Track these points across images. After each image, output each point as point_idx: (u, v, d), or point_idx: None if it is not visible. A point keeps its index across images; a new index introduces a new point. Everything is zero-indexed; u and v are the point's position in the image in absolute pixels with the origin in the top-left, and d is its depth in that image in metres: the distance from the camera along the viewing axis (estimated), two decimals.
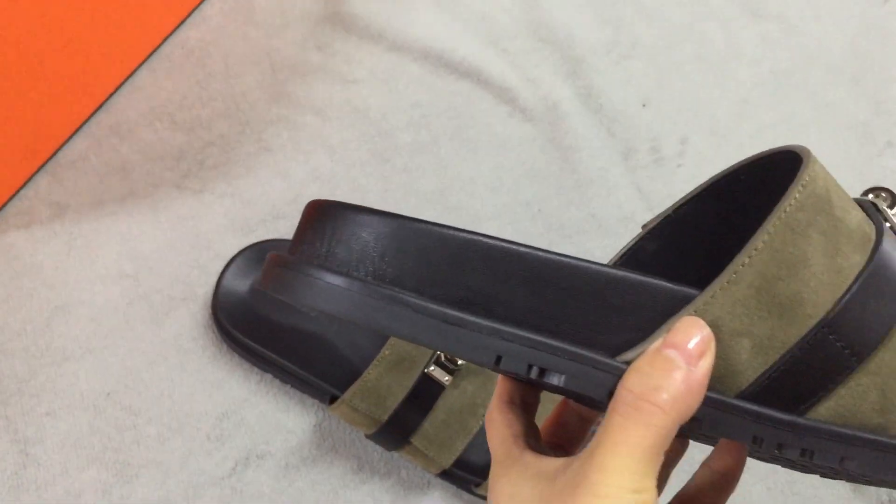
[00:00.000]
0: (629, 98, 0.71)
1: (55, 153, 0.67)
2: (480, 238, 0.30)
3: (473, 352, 0.29)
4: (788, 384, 0.30)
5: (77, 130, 0.68)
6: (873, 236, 0.31)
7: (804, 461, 0.30)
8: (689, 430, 0.30)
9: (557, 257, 0.30)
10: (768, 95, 0.71)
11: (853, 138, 0.69)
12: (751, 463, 0.56)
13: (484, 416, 0.53)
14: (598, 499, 0.27)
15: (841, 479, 0.33)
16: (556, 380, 0.29)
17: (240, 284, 0.60)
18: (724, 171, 0.37)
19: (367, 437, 0.55)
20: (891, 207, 0.34)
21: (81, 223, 0.64)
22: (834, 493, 0.55)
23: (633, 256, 0.39)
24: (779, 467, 0.55)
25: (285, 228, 0.64)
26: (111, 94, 0.70)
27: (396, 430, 0.53)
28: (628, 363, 0.29)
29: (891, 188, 0.35)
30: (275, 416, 0.59)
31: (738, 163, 0.36)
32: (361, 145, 0.68)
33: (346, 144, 0.68)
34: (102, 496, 0.56)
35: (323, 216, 0.31)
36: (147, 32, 0.71)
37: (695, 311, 0.29)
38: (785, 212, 0.29)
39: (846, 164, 0.67)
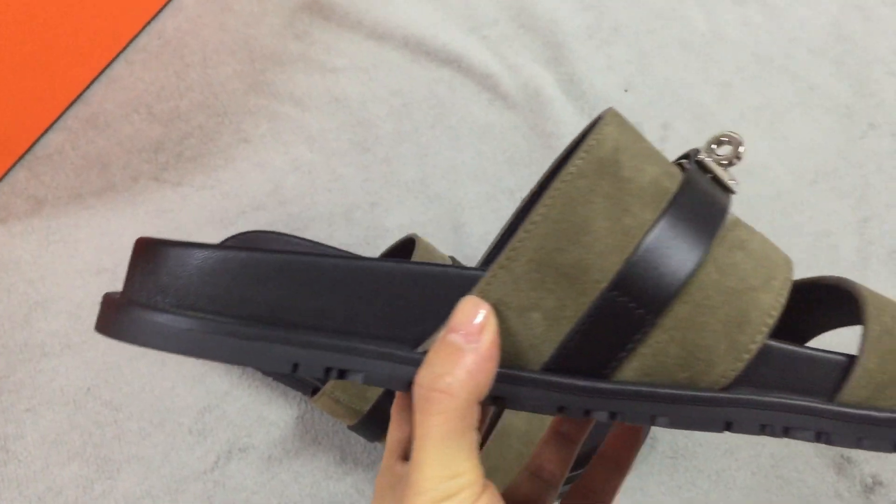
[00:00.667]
0: (611, 84, 0.71)
1: (31, 147, 0.67)
2: (274, 255, 0.31)
3: (271, 362, 0.30)
4: (588, 351, 0.30)
5: (53, 124, 0.68)
6: (675, 189, 0.31)
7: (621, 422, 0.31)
8: (508, 407, 0.31)
9: (349, 261, 0.31)
10: (751, 79, 0.71)
11: (836, 121, 0.69)
12: (734, 448, 0.56)
13: None
14: (419, 496, 0.28)
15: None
16: (359, 378, 0.30)
17: None
18: (563, 151, 0.38)
19: (350, 428, 0.55)
20: (735, 155, 0.34)
21: (59, 217, 0.64)
22: (817, 475, 0.55)
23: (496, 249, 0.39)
24: (762, 451, 0.56)
25: (265, 220, 0.64)
26: (87, 87, 0.69)
27: (378, 421, 0.54)
28: (427, 352, 0.29)
29: (736, 134, 0.34)
30: (257, 409, 0.59)
31: (573, 140, 0.37)
32: (341, 135, 0.68)
33: (325, 134, 0.68)
34: (84, 492, 0.56)
35: (138, 253, 0.32)
36: (123, 23, 0.70)
37: (479, 293, 0.30)
38: (563, 181, 0.30)
39: (829, 147, 0.67)
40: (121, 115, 0.68)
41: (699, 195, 0.31)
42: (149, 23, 0.72)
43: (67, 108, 0.68)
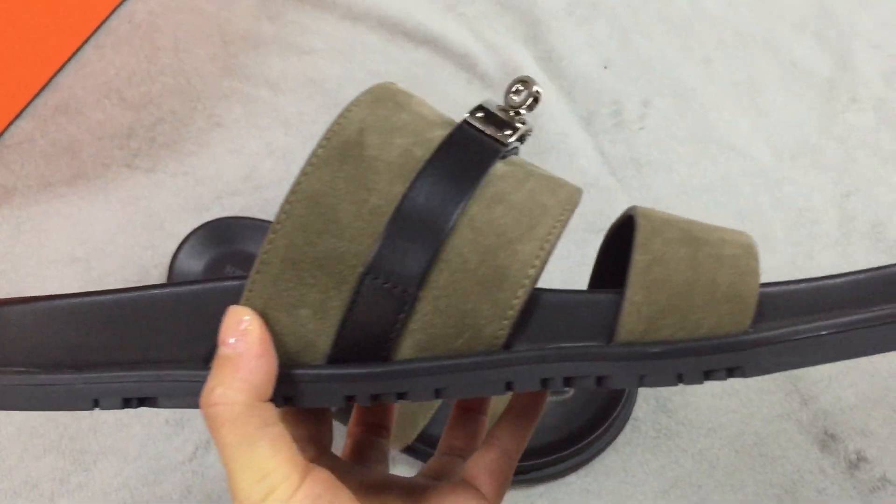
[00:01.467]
0: (590, 61, 0.70)
1: (0, 135, 0.66)
2: (60, 301, 0.32)
3: (73, 403, 0.31)
4: (362, 337, 0.30)
5: (22, 111, 0.67)
6: (428, 156, 0.31)
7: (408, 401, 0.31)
8: (298, 405, 0.31)
9: (121, 295, 0.32)
10: (731, 54, 0.71)
11: (817, 95, 0.68)
12: (717, 427, 0.56)
13: None
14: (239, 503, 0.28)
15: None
16: (158, 404, 0.31)
17: (194, 264, 0.59)
18: None
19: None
20: (526, 104, 0.33)
21: (30, 206, 0.63)
22: (801, 453, 0.55)
23: None
24: (745, 429, 0.56)
25: (240, 206, 0.63)
26: (56, 72, 0.69)
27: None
28: None
29: (530, 78, 0.34)
30: None
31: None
32: (318, 118, 0.67)
33: (301, 117, 0.67)
34: (60, 484, 0.55)
35: None
36: (92, 6, 0.69)
37: (245, 302, 0.30)
38: (304, 174, 0.30)
39: (810, 122, 0.67)
40: (91, 101, 0.67)
41: (452, 158, 0.31)
42: (119, 6, 0.71)
43: (36, 95, 0.68)
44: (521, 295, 0.30)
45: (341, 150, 0.31)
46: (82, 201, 0.63)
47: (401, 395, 0.30)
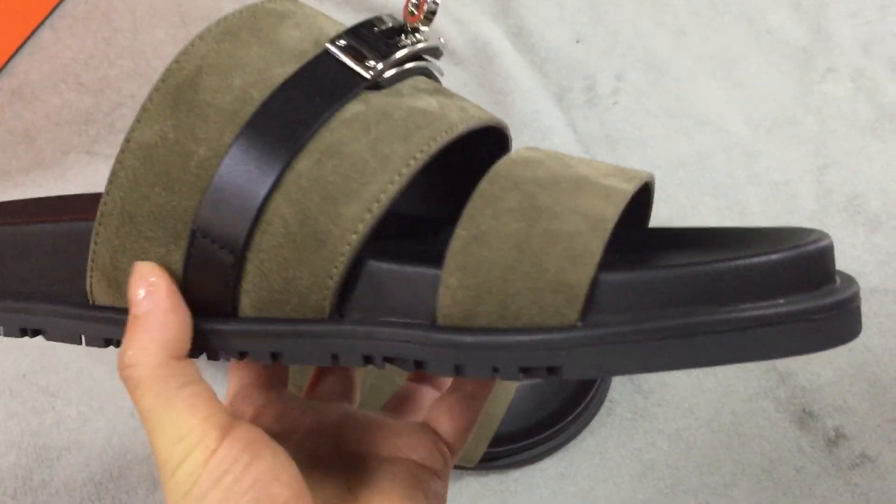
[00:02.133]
0: (562, 35, 0.68)
1: None
2: None
3: None
4: (202, 293, 0.29)
5: None
6: (263, 98, 0.29)
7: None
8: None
9: (13, 228, 0.32)
10: (705, 25, 0.69)
11: (794, 65, 0.67)
12: (694, 407, 0.55)
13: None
14: (161, 470, 0.28)
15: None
16: (51, 337, 0.32)
17: None
18: None
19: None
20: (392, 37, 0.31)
21: None
22: (779, 431, 0.55)
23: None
24: (722, 409, 0.55)
25: None
26: (11, 56, 0.66)
27: None
28: (103, 307, 0.31)
29: (391, 15, 0.32)
30: None
31: None
32: None
33: None
34: (23, 482, 0.54)
35: None
36: None
37: (94, 255, 0.30)
38: (137, 122, 0.29)
39: (786, 93, 0.66)
40: (48, 85, 0.65)
41: (285, 104, 0.28)
42: None
43: None
44: (342, 262, 0.27)
45: (174, 95, 0.28)
46: (41, 190, 0.62)
47: (242, 354, 0.29)
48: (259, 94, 0.28)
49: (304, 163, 0.28)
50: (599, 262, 0.25)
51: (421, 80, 0.31)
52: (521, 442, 0.53)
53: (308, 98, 0.29)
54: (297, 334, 0.29)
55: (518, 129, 0.65)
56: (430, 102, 0.30)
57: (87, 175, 0.62)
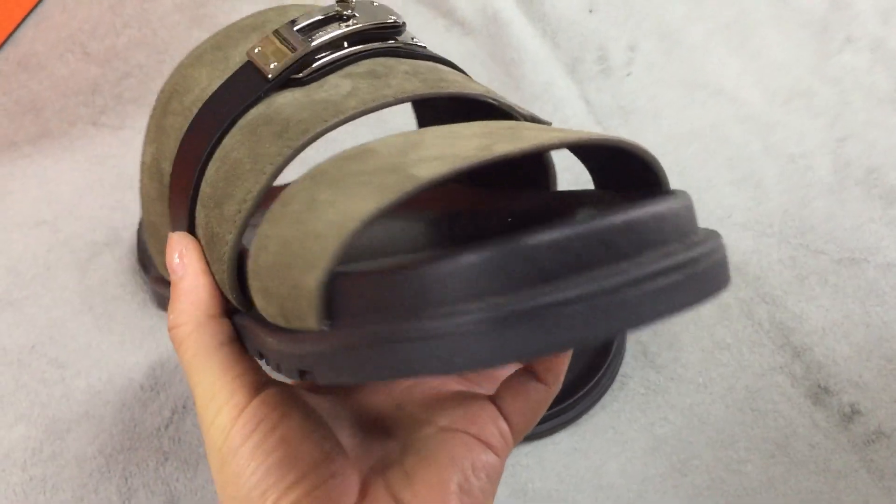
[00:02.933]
0: (574, 4, 0.67)
1: None
2: None
3: None
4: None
5: None
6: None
7: None
8: None
9: None
10: None
11: (811, 35, 0.66)
12: (708, 382, 0.55)
13: None
14: (200, 423, 0.30)
15: None
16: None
17: None
18: None
19: None
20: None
21: None
22: (794, 407, 0.54)
23: None
24: (736, 383, 0.54)
25: None
26: (17, 26, 0.66)
27: None
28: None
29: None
30: None
31: None
32: None
33: None
34: (33, 454, 0.54)
35: None
36: None
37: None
38: (144, 143, 0.34)
39: (803, 64, 0.64)
40: (54, 55, 0.64)
41: (212, 113, 0.31)
42: None
43: None
44: (225, 263, 0.29)
45: (157, 120, 0.31)
46: (48, 161, 0.61)
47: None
48: (196, 110, 0.31)
49: (210, 170, 0.30)
50: (331, 266, 0.23)
51: (364, 65, 0.31)
52: None
53: (224, 107, 0.30)
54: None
55: (529, 101, 0.64)
56: (340, 90, 0.30)
57: (94, 147, 0.62)
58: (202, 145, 0.30)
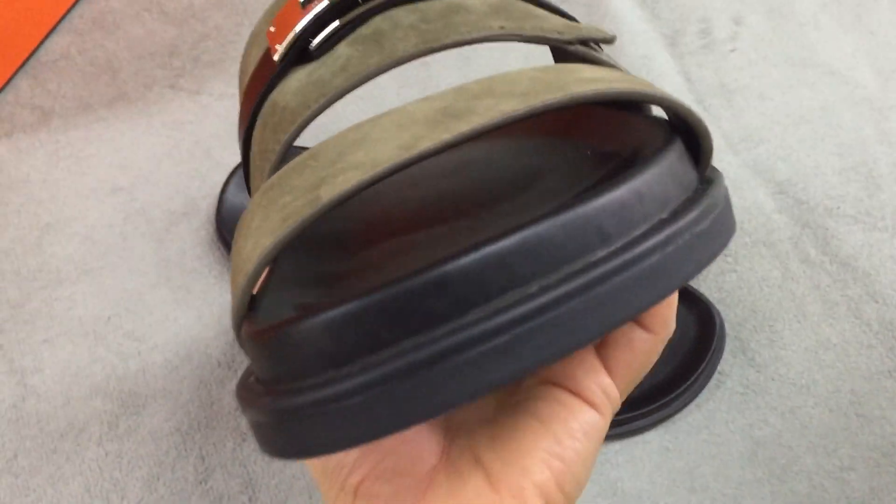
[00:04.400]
0: None
1: (34, 51, 0.61)
2: None
3: None
4: None
5: (57, 25, 0.62)
6: None
7: None
8: None
9: None
10: None
11: None
12: (811, 383, 0.52)
13: None
14: None
15: None
16: None
17: (245, 196, 0.55)
18: None
19: None
20: None
21: (68, 130, 0.59)
22: None
23: None
24: (842, 387, 0.51)
25: None
26: None
27: None
28: None
29: None
30: None
31: None
32: None
33: None
34: (109, 428, 0.53)
35: None
36: None
37: None
38: None
39: None
40: (130, 14, 0.62)
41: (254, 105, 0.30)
42: None
43: (72, 7, 0.63)
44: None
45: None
46: (124, 125, 0.59)
47: None
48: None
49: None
50: (240, 315, 0.21)
51: (373, 24, 0.27)
52: (625, 413, 0.50)
53: (249, 99, 0.29)
54: None
55: None
56: (337, 63, 0.27)
57: (171, 111, 0.60)
58: (244, 138, 0.29)
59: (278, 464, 0.52)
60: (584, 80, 0.21)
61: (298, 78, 0.27)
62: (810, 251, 0.54)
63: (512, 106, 0.20)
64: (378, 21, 0.27)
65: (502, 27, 0.27)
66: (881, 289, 0.53)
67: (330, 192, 0.19)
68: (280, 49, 0.27)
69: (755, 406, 0.52)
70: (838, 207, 0.55)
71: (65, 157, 0.58)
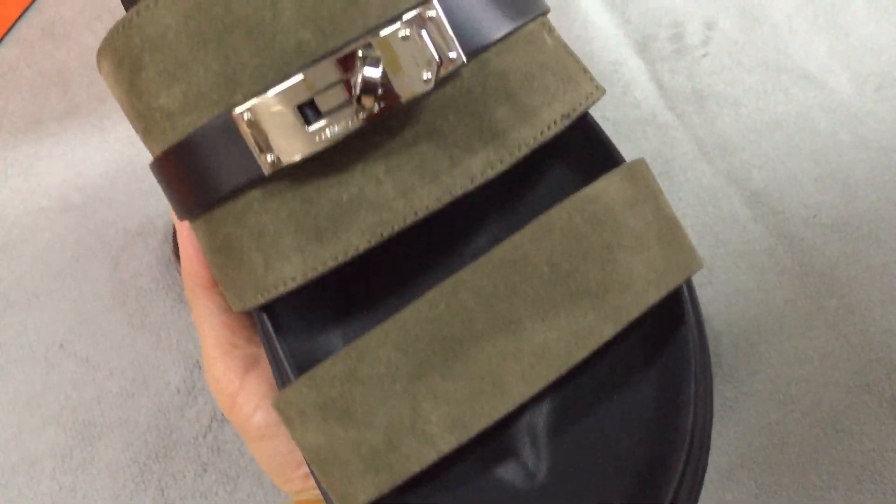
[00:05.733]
0: None
1: None
2: None
3: None
4: None
5: (4, 35, 0.60)
6: None
7: None
8: None
9: None
10: None
11: None
12: (788, 399, 0.51)
13: None
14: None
15: None
16: None
17: None
18: None
19: None
20: None
21: (17, 146, 0.57)
22: (882, 429, 0.50)
23: None
24: (821, 402, 0.50)
25: None
26: None
27: None
28: None
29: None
30: None
31: None
32: None
33: None
34: (62, 461, 0.51)
35: None
36: None
37: None
38: None
39: None
40: (82, 23, 0.60)
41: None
42: None
43: (19, 18, 0.60)
44: None
45: None
46: (76, 140, 0.57)
47: None
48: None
49: None
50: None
51: None
52: None
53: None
54: None
55: None
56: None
57: (126, 126, 0.57)
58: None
59: (241, 494, 0.50)
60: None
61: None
62: (787, 262, 0.53)
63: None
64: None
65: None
66: (859, 301, 0.52)
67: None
68: (274, 163, 0.28)
69: (733, 422, 0.51)
70: (815, 216, 0.54)
71: (13, 175, 0.56)
